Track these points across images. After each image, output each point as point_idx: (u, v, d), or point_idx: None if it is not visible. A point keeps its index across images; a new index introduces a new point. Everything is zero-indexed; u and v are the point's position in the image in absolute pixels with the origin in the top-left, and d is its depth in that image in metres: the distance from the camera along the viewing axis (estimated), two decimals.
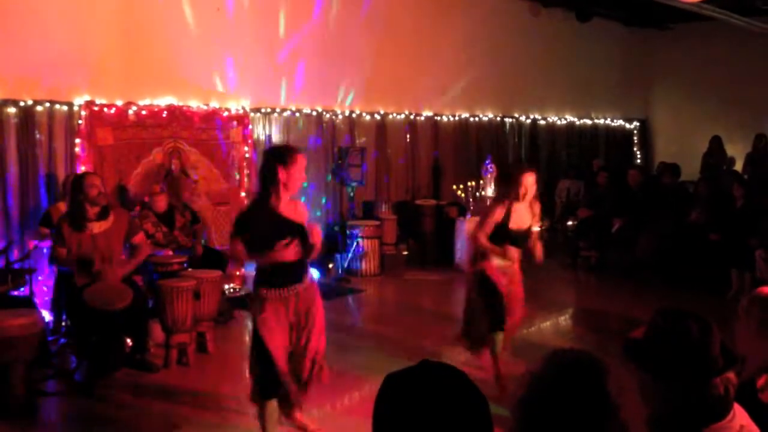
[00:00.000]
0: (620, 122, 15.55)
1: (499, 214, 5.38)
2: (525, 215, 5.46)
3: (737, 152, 13.13)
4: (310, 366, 4.51)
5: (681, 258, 9.12)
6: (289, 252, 4.36)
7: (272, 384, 4.38)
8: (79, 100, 7.53)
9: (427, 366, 1.49)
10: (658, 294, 8.29)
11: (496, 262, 5.44)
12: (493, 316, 5.47)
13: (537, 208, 5.61)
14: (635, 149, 15.97)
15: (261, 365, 4.38)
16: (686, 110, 14.93)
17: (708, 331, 2.05)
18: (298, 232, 4.39)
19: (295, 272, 4.41)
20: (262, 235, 4.31)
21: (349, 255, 9.62)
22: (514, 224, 5.40)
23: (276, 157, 4.37)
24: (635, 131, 15.94)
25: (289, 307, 4.40)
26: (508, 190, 5.50)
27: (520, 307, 5.69)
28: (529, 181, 5.43)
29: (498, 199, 5.68)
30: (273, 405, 4.46)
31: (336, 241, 9.78)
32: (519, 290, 5.66)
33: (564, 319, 8.09)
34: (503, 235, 5.39)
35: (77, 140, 7.49)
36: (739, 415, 2.10)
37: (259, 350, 4.36)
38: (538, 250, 5.64)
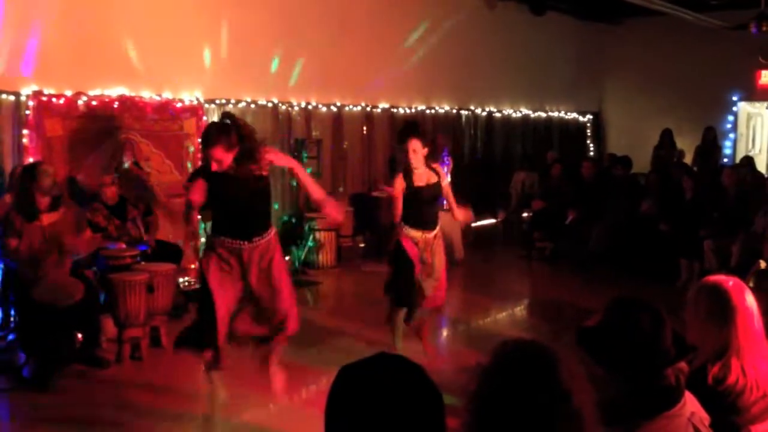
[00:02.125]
0: (574, 115, 15.74)
1: (398, 183, 5.56)
2: (427, 175, 5.63)
3: (686, 145, 13.40)
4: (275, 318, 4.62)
5: (632, 248, 9.29)
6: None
7: (207, 333, 4.49)
8: (26, 90, 7.33)
9: (382, 358, 1.49)
10: (610, 284, 8.44)
11: (411, 232, 5.57)
12: (397, 291, 5.62)
13: (438, 169, 5.82)
14: (588, 142, 16.20)
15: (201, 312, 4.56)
16: (637, 103, 15.18)
17: (660, 322, 2.08)
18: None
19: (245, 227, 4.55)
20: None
21: (306, 247, 9.58)
22: (417, 182, 5.56)
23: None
24: (588, 124, 16.17)
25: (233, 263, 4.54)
26: (399, 161, 5.71)
27: (442, 279, 5.77)
28: (413, 146, 5.55)
29: (395, 172, 5.86)
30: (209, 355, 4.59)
31: (292, 233, 9.72)
32: (440, 260, 5.75)
33: (519, 310, 8.19)
34: (415, 196, 5.53)
35: (25, 131, 7.30)
36: (690, 403, 2.14)
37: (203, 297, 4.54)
38: (454, 206, 5.90)
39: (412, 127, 5.87)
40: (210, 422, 4.77)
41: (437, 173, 5.71)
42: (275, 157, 4.75)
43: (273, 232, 4.72)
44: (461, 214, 5.98)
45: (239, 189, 4.50)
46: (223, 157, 4.43)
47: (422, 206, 5.57)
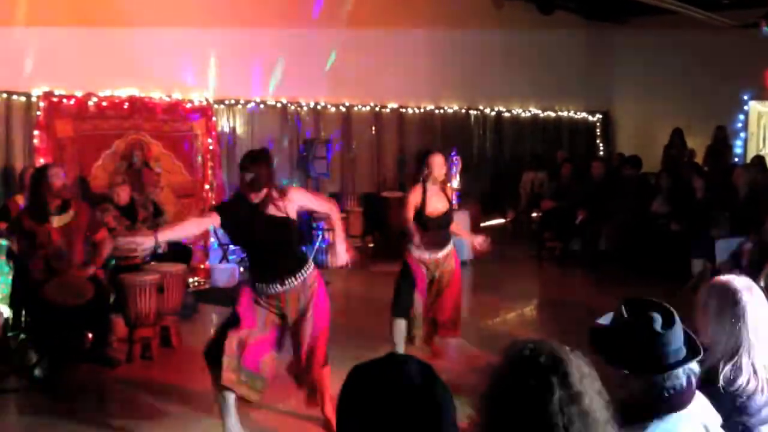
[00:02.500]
0: (583, 114, 15.70)
1: (414, 196, 5.50)
2: (439, 200, 5.57)
3: (697, 145, 13.33)
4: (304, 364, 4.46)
5: (643, 248, 9.25)
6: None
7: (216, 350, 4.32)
8: (37, 91, 7.38)
9: (393, 358, 1.48)
10: (620, 284, 8.40)
11: (418, 253, 5.54)
12: (397, 301, 5.59)
13: (450, 192, 5.78)
14: (598, 141, 16.15)
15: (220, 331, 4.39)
16: (647, 102, 15.11)
17: (672, 322, 2.07)
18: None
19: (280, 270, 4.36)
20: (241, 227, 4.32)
21: (315, 247, 9.58)
22: (429, 210, 5.50)
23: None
24: (598, 123, 16.11)
25: (271, 306, 4.37)
26: (418, 172, 5.63)
27: (450, 307, 5.74)
28: (436, 162, 5.52)
29: (413, 182, 5.74)
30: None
31: (301, 233, 9.72)
32: (453, 290, 5.72)
33: (528, 310, 8.17)
34: (426, 224, 5.49)
35: (36, 132, 7.34)
36: (701, 403, 2.13)
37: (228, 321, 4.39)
38: (467, 235, 5.92)
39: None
40: None
41: (447, 198, 5.67)
42: (300, 198, 4.49)
43: (311, 269, 4.52)
44: (476, 240, 5.91)
45: (263, 226, 4.29)
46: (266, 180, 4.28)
47: (432, 232, 5.53)
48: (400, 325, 5.65)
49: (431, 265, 5.59)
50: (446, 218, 5.62)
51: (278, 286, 4.34)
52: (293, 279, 4.37)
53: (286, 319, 4.43)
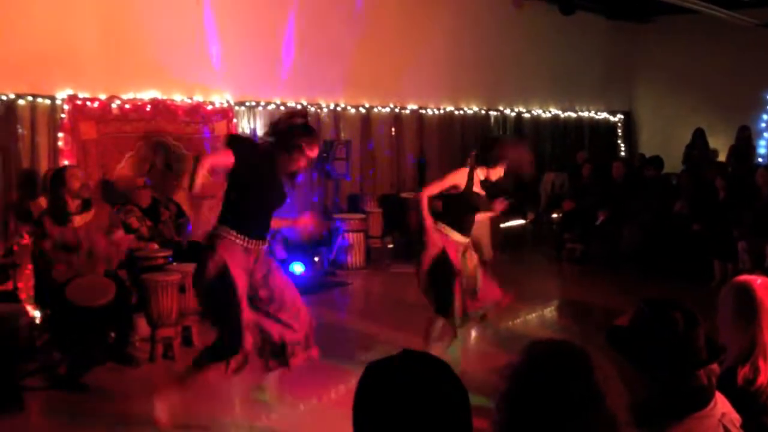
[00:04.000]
0: (604, 115, 15.61)
1: (456, 177, 5.27)
2: (478, 188, 5.43)
3: (720, 145, 13.22)
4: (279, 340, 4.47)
5: (664, 249, 9.19)
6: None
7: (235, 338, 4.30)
8: (61, 94, 7.47)
9: (407, 355, 1.50)
10: (641, 285, 8.35)
11: (455, 236, 5.32)
12: (439, 300, 5.34)
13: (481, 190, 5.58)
14: (619, 141, 16.05)
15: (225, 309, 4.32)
16: (669, 102, 15.01)
17: (694, 323, 2.07)
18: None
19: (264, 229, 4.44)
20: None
21: (335, 248, 9.62)
22: (477, 187, 5.35)
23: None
24: (619, 123, 16.01)
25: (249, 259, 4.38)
26: (481, 157, 5.41)
27: (485, 280, 5.54)
28: (515, 155, 5.40)
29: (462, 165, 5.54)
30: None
31: (321, 234, 9.77)
32: (476, 263, 5.53)
33: (549, 311, 8.14)
34: (469, 199, 5.31)
35: (60, 134, 7.42)
36: (721, 403, 2.12)
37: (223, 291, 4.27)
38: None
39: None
40: None
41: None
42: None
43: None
44: (496, 207, 5.77)
45: (278, 189, 4.41)
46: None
47: (469, 211, 5.42)
48: (439, 324, 5.44)
49: (461, 248, 5.38)
50: (483, 203, 5.47)
51: (259, 242, 4.38)
52: (265, 241, 4.47)
53: (253, 281, 4.42)
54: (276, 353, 4.53)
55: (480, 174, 5.40)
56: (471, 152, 5.64)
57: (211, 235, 4.38)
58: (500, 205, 5.71)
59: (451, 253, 5.26)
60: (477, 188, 5.40)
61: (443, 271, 5.25)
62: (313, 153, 4.39)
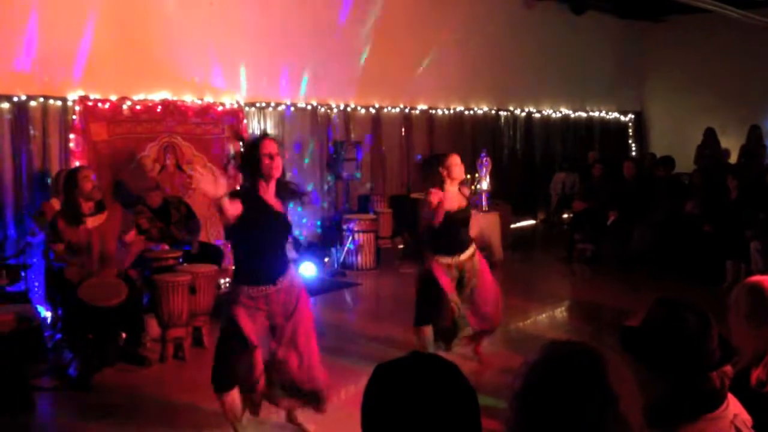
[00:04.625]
0: (615, 115, 15.56)
1: (436, 195, 5.37)
2: (456, 199, 5.50)
3: (731, 144, 13.15)
4: (303, 377, 4.42)
5: (676, 250, 9.14)
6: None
7: (233, 372, 4.29)
8: (73, 96, 7.51)
9: (416, 357, 1.49)
10: (653, 286, 8.31)
11: (444, 260, 5.47)
12: (420, 308, 5.53)
13: (466, 193, 5.71)
14: (630, 141, 15.99)
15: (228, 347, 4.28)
16: (680, 102, 14.95)
17: (707, 324, 2.05)
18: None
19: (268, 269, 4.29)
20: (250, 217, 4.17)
21: (345, 249, 9.62)
22: (450, 205, 5.41)
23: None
24: (630, 123, 15.96)
25: (259, 312, 4.28)
26: (434, 176, 5.49)
27: (492, 298, 5.66)
28: (453, 162, 5.48)
29: (429, 186, 5.56)
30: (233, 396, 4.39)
31: (332, 235, 9.77)
32: (486, 281, 5.64)
33: (560, 312, 8.11)
34: (447, 221, 5.39)
35: (71, 135, 7.46)
36: (733, 405, 2.11)
37: (230, 331, 4.25)
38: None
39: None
40: None
41: (465, 198, 5.64)
42: None
43: (292, 268, 4.49)
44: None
45: (276, 221, 4.28)
46: (276, 158, 4.21)
47: (453, 231, 5.47)
48: (426, 331, 5.61)
49: (454, 268, 5.50)
50: (465, 215, 5.57)
51: (270, 285, 4.26)
52: (283, 278, 4.31)
53: (274, 321, 4.35)
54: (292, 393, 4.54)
55: (449, 187, 5.47)
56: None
57: (226, 297, 4.44)
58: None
59: (438, 275, 5.42)
60: (455, 201, 5.48)
61: (431, 288, 5.46)
62: (269, 147, 4.22)
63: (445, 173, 5.47)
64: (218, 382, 4.39)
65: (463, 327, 5.62)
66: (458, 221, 5.51)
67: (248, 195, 4.26)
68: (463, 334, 5.67)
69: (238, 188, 4.81)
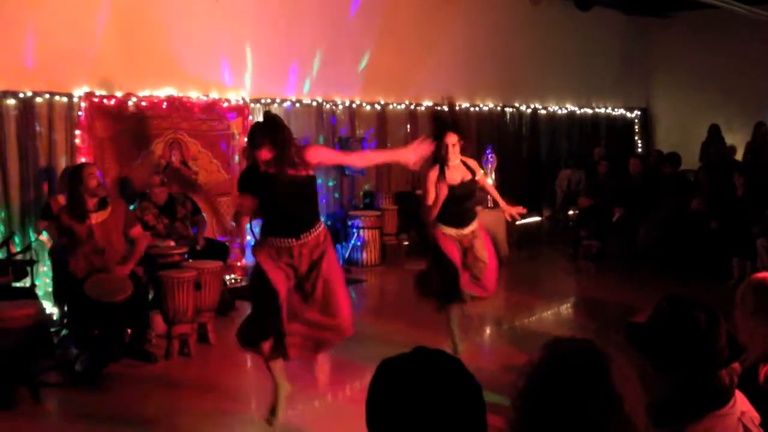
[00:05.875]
0: (621, 111, 15.51)
1: (432, 174, 5.42)
2: (458, 171, 5.51)
3: (738, 141, 13.10)
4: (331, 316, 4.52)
5: (682, 247, 9.11)
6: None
7: (269, 321, 4.40)
8: (78, 92, 7.51)
9: (421, 352, 1.49)
10: (659, 283, 8.29)
11: (448, 230, 5.51)
12: (443, 292, 5.57)
13: (472, 163, 5.68)
14: (636, 138, 15.94)
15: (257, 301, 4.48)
16: (687, 99, 14.89)
17: (715, 321, 2.04)
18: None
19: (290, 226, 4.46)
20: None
21: (350, 245, 9.62)
22: (451, 179, 5.44)
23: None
24: (636, 120, 15.91)
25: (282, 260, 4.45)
26: (437, 151, 5.44)
27: (491, 267, 5.66)
28: (451, 140, 5.45)
29: (432, 162, 5.57)
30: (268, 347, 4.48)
31: (336, 231, 9.78)
32: (485, 246, 5.64)
33: (565, 308, 8.10)
34: (449, 195, 5.40)
35: (77, 132, 7.48)
36: (740, 402, 2.10)
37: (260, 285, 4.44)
38: (500, 201, 5.84)
39: (445, 121, 5.64)
40: (275, 417, 4.55)
41: (471, 168, 5.60)
42: (320, 156, 4.66)
43: (321, 227, 4.59)
44: (510, 211, 5.86)
45: (283, 190, 4.40)
46: (269, 157, 4.38)
47: (456, 204, 5.47)
48: (455, 311, 5.64)
49: (459, 240, 5.53)
50: (469, 188, 5.55)
51: (293, 240, 4.43)
52: (308, 234, 4.47)
53: (296, 273, 4.49)
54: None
55: (452, 163, 5.47)
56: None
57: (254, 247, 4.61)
58: (511, 211, 5.80)
59: (444, 246, 5.48)
60: (457, 174, 5.49)
61: (441, 263, 5.52)
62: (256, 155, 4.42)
63: (443, 151, 5.44)
64: (247, 338, 4.50)
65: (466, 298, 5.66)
66: (460, 196, 5.50)
67: (249, 171, 4.55)
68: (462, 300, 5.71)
69: (241, 173, 4.91)
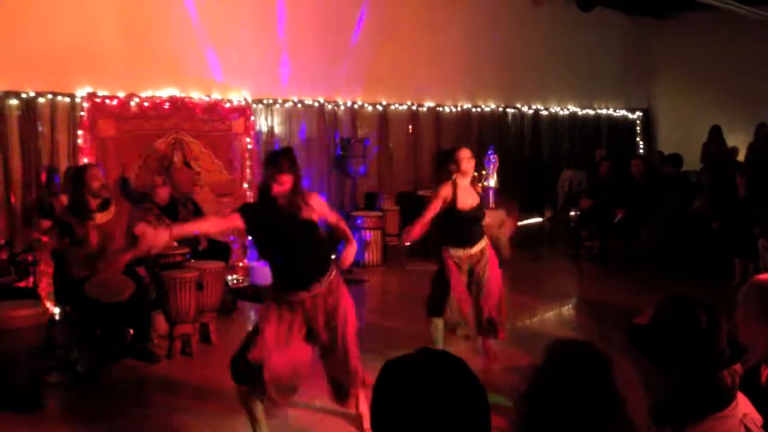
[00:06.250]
0: (623, 112, 15.50)
1: (445, 190, 5.43)
2: (470, 196, 5.55)
3: (740, 142, 13.08)
4: (348, 373, 4.40)
5: (683, 248, 9.11)
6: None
7: (248, 372, 4.23)
8: (81, 92, 7.53)
9: (425, 353, 1.49)
10: (660, 284, 8.28)
11: (454, 252, 5.52)
12: (430, 299, 5.64)
13: (479, 188, 5.79)
14: (638, 139, 15.93)
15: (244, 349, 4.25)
16: (689, 100, 14.88)
17: (717, 322, 2.04)
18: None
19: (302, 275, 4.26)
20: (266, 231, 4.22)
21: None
22: (462, 204, 5.46)
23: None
24: (638, 121, 15.90)
25: (296, 315, 4.25)
26: (447, 169, 5.52)
27: (495, 290, 5.66)
28: (464, 157, 5.48)
29: (441, 181, 5.62)
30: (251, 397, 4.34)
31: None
32: (493, 274, 5.65)
33: (566, 309, 8.10)
34: (459, 217, 5.45)
35: (80, 132, 7.49)
36: (742, 404, 2.10)
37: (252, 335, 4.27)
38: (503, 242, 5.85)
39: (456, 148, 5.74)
40: None
41: (477, 193, 5.68)
42: (320, 207, 4.40)
43: (334, 273, 4.37)
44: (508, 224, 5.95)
45: (298, 228, 4.21)
46: (288, 187, 4.17)
47: (465, 227, 5.53)
48: (437, 324, 5.66)
49: (466, 261, 5.56)
50: (478, 213, 5.60)
51: (304, 292, 4.23)
52: (319, 283, 4.26)
53: (313, 326, 4.31)
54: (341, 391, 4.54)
55: (461, 182, 5.51)
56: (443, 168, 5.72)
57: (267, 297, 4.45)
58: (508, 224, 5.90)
59: (449, 269, 5.49)
60: (468, 197, 5.52)
61: (440, 283, 5.57)
62: (278, 179, 4.18)
63: (454, 167, 5.48)
64: (234, 374, 4.36)
65: (462, 326, 5.70)
66: (471, 219, 5.55)
67: (262, 206, 4.27)
68: (461, 332, 5.74)
69: (249, 203, 4.81)
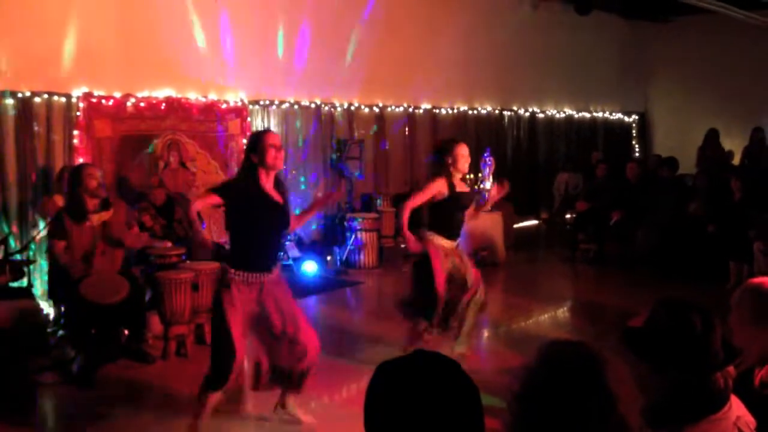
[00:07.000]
0: (619, 115, 15.54)
1: (436, 186, 5.34)
2: (463, 187, 5.53)
3: (735, 146, 13.12)
4: (298, 362, 4.45)
5: (679, 250, 9.12)
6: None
7: (225, 372, 4.28)
8: (77, 92, 7.52)
9: (419, 355, 1.49)
10: (656, 286, 8.29)
11: (439, 241, 5.38)
12: (416, 304, 5.51)
13: (469, 185, 5.76)
14: (634, 142, 15.97)
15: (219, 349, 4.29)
16: (685, 103, 14.92)
17: (711, 324, 2.05)
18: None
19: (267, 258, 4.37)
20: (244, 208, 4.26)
21: (348, 247, 9.62)
22: (460, 187, 5.43)
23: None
24: (634, 124, 15.93)
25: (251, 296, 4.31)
26: (442, 164, 5.42)
27: (474, 277, 5.54)
28: (460, 152, 5.43)
29: (434, 175, 5.50)
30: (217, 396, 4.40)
31: (334, 233, 9.77)
32: (469, 266, 5.55)
33: (562, 312, 8.10)
34: (455, 202, 5.38)
35: (75, 132, 7.48)
36: (735, 406, 2.11)
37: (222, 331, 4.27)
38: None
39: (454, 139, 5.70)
40: None
41: (469, 185, 5.67)
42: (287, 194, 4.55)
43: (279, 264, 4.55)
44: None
45: (275, 213, 4.33)
46: (281, 167, 4.33)
47: (456, 213, 5.45)
48: (420, 324, 5.57)
49: (450, 254, 5.43)
50: (467, 201, 5.53)
51: (264, 274, 4.30)
52: (275, 268, 4.39)
53: (263, 309, 4.36)
54: (283, 379, 4.57)
55: (456, 175, 5.46)
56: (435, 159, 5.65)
57: (220, 276, 4.43)
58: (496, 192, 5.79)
59: (435, 258, 5.33)
60: (461, 188, 5.49)
61: (425, 275, 5.35)
62: (274, 138, 4.33)
63: (450, 161, 5.40)
64: (214, 382, 4.40)
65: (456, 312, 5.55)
66: (462, 205, 5.48)
67: (245, 185, 4.30)
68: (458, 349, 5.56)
69: (230, 180, 4.83)
